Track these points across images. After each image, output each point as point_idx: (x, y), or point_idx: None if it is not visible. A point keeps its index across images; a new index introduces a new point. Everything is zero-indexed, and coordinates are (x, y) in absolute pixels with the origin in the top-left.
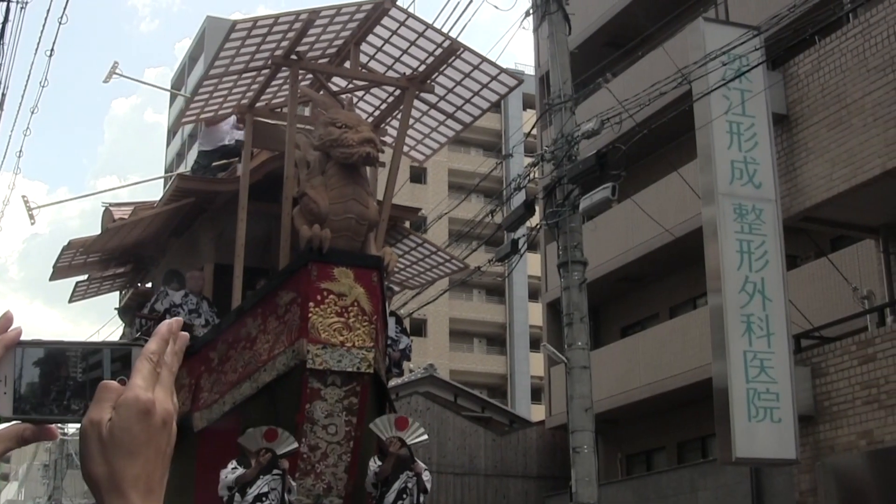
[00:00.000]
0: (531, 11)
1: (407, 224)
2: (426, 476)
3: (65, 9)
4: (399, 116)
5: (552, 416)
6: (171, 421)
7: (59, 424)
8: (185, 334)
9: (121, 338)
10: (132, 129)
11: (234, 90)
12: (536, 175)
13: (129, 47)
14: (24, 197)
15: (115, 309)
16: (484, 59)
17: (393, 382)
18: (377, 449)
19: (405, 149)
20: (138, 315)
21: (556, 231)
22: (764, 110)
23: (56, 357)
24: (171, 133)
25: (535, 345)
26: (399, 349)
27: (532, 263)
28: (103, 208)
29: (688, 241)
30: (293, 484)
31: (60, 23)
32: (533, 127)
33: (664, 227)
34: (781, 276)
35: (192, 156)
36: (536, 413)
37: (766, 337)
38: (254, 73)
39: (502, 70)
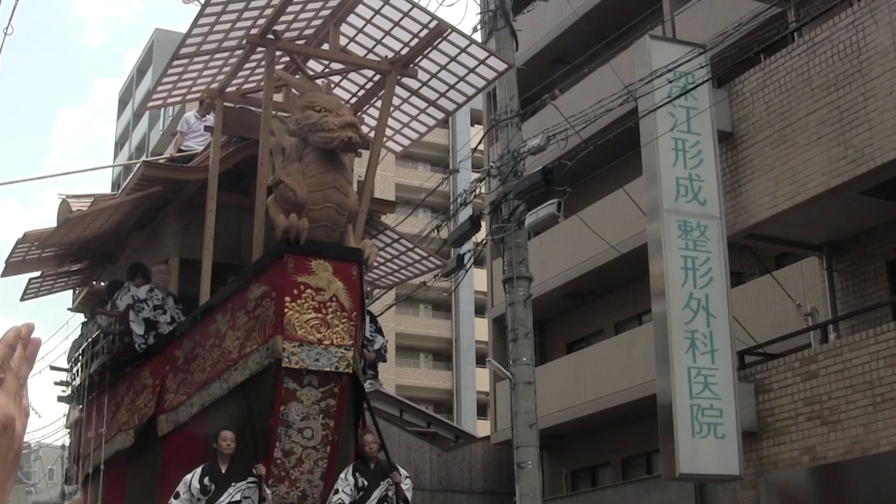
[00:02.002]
0: (479, 27)
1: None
2: (406, 484)
3: (10, 19)
4: (377, 104)
5: (497, 431)
6: (12, 426)
7: None
8: (38, 339)
9: (79, 337)
10: (81, 141)
11: (205, 72)
12: (483, 190)
13: (79, 58)
14: None
15: (69, 309)
16: (472, 42)
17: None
18: (355, 455)
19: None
20: (99, 311)
21: (501, 247)
22: (709, 128)
23: None
24: (119, 145)
25: (481, 360)
26: (374, 349)
27: (478, 279)
28: (60, 199)
29: (633, 258)
30: (268, 492)
31: (6, 33)
32: (479, 142)
33: (609, 243)
34: (726, 293)
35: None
36: (482, 428)
37: (710, 353)
38: (225, 55)
39: (491, 53)
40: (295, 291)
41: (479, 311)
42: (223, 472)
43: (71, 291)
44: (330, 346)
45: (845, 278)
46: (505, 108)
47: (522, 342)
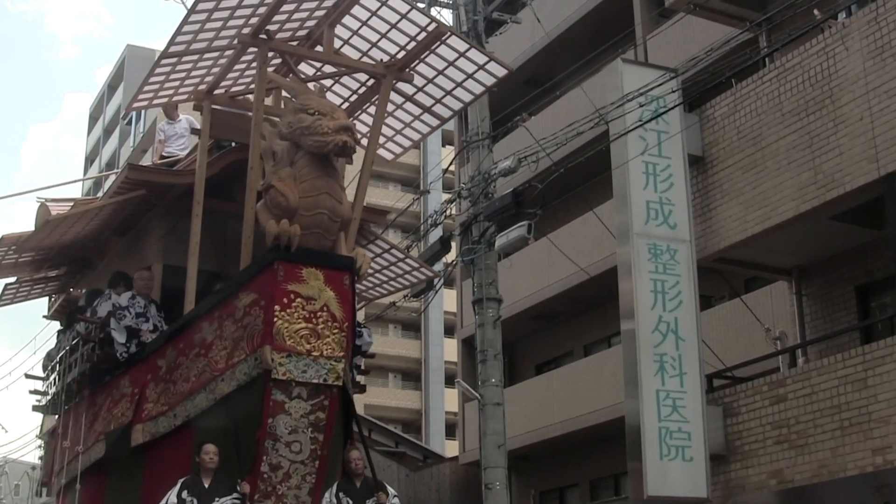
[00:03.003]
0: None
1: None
2: (394, 503)
3: None
4: (370, 109)
5: (466, 451)
6: None
7: None
8: None
9: (56, 344)
10: (51, 156)
11: (193, 73)
12: (453, 211)
13: (51, 73)
14: None
15: (44, 317)
16: (472, 46)
17: None
18: (342, 472)
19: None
20: (79, 317)
21: (471, 268)
22: (680, 152)
23: None
24: (89, 161)
25: (450, 380)
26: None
27: (448, 299)
28: (38, 203)
29: (603, 280)
30: None
31: None
32: (451, 163)
33: (579, 265)
34: (695, 316)
35: (108, 183)
36: (450, 449)
37: (678, 376)
38: (215, 55)
39: (492, 58)
40: (285, 300)
41: (449, 331)
42: (206, 486)
43: (46, 298)
44: (319, 358)
45: (814, 303)
46: (476, 129)
47: (491, 363)
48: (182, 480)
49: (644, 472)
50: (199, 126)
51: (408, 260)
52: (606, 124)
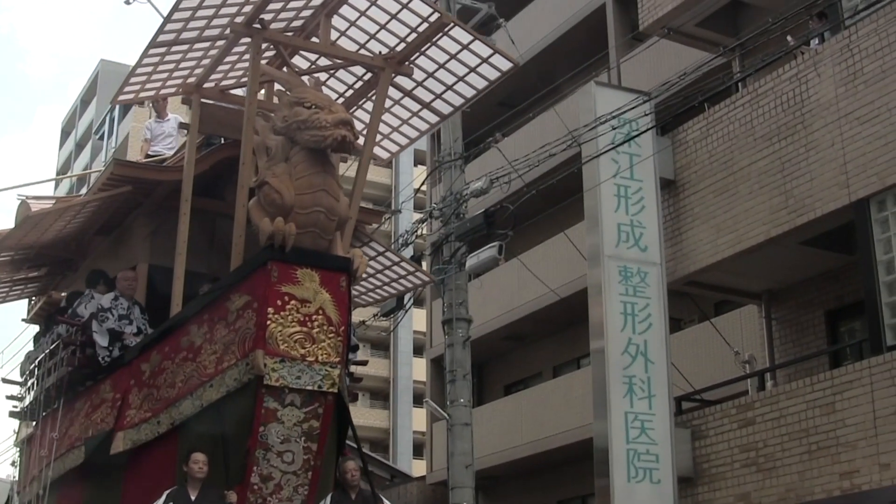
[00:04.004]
0: None
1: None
2: None
3: None
4: (365, 106)
5: (433, 471)
6: None
7: None
8: None
9: (37, 347)
10: (22, 169)
11: (182, 65)
12: (424, 231)
13: (23, 87)
14: None
15: (23, 320)
16: (476, 38)
17: None
18: (335, 484)
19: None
20: (59, 319)
21: (442, 288)
22: (652, 175)
23: None
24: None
25: (418, 400)
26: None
27: (417, 319)
28: (19, 201)
29: (573, 302)
30: None
31: None
32: (423, 183)
33: (550, 287)
34: (664, 339)
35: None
36: (418, 468)
37: (647, 398)
38: (206, 45)
39: (496, 50)
40: (279, 302)
41: (418, 350)
42: (193, 498)
43: (26, 301)
44: (314, 363)
45: (783, 327)
46: (449, 149)
47: (460, 383)
48: (167, 492)
49: (612, 493)
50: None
51: (403, 264)
52: (579, 146)
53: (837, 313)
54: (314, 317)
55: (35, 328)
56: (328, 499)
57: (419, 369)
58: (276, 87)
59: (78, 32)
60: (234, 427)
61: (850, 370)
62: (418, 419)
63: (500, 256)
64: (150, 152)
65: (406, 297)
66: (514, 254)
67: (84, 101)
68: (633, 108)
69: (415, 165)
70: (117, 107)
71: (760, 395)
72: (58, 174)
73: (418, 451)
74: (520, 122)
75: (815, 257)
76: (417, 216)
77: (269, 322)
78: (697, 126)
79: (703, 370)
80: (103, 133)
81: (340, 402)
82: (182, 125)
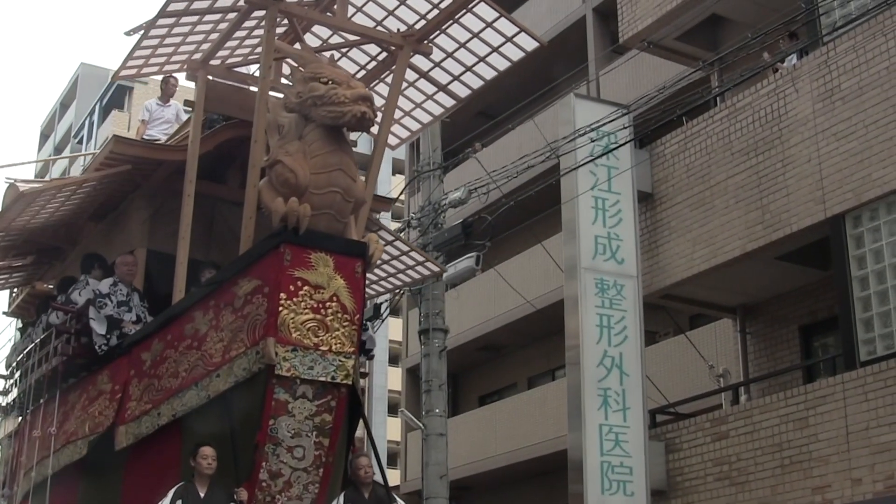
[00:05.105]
0: None
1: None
2: None
3: None
4: (377, 88)
5: (407, 481)
6: None
7: None
8: None
9: (24, 337)
10: None
11: (188, 39)
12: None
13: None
14: None
15: (4, 313)
16: (503, 15)
17: None
18: (344, 481)
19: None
20: (54, 306)
21: (418, 297)
22: (629, 187)
23: None
24: (37, 177)
25: (392, 409)
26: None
27: (393, 328)
28: (7, 184)
29: (549, 313)
30: None
31: None
32: (401, 193)
33: (526, 298)
34: (639, 352)
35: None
36: (392, 478)
37: (622, 411)
38: (215, 19)
39: (522, 28)
40: (291, 288)
41: (393, 360)
42: (202, 495)
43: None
44: (327, 353)
45: (758, 341)
46: (427, 159)
47: (436, 393)
48: (175, 488)
49: None
50: (184, 118)
51: (413, 253)
52: (557, 158)
53: (811, 328)
54: (328, 304)
55: (14, 321)
56: (341, 497)
57: (394, 379)
58: (284, 68)
59: (57, 34)
60: (242, 420)
61: (824, 385)
62: (393, 429)
63: (478, 267)
64: (145, 136)
65: (383, 306)
66: (492, 264)
67: (63, 105)
68: (611, 120)
69: (393, 174)
70: (97, 111)
71: (734, 408)
72: (36, 178)
73: (392, 460)
74: (499, 132)
75: (791, 272)
76: (395, 225)
77: (281, 308)
78: (675, 140)
79: (677, 383)
80: (82, 137)
81: (354, 396)
82: (187, 102)
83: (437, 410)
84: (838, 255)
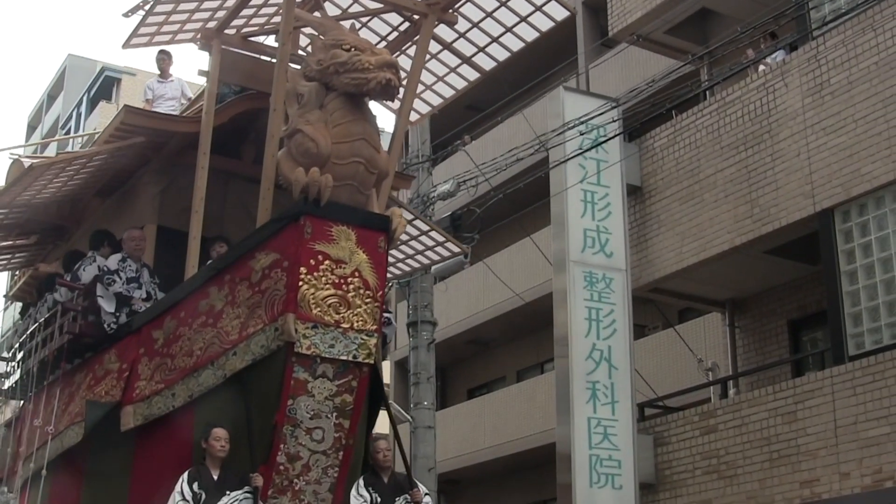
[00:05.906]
0: None
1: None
2: (427, 502)
3: None
4: (399, 59)
5: None
6: None
7: None
8: None
9: (26, 318)
10: None
11: (203, 5)
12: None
13: None
14: None
15: (5, 296)
16: None
17: None
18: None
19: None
20: (60, 282)
21: (407, 290)
22: (618, 181)
23: None
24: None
25: None
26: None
27: None
28: (11, 160)
29: (537, 306)
30: None
31: None
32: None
33: (514, 291)
34: (628, 345)
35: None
36: None
37: (610, 404)
38: None
39: None
40: (312, 262)
41: None
42: (215, 478)
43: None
44: (349, 331)
45: (746, 335)
46: (416, 151)
47: (424, 386)
48: (188, 472)
49: (574, 499)
50: (190, 94)
51: (432, 233)
52: (546, 151)
53: (800, 323)
54: (350, 279)
55: (14, 305)
56: (361, 481)
57: (383, 371)
58: (300, 39)
59: (44, 25)
60: (259, 400)
61: (812, 379)
62: (381, 421)
63: (466, 260)
64: None
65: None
66: (480, 257)
67: (51, 96)
68: (600, 113)
69: None
70: (84, 102)
71: (723, 402)
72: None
73: None
74: (488, 125)
75: (779, 267)
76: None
77: (301, 283)
78: (664, 133)
79: (666, 377)
80: (70, 128)
81: (375, 376)
82: (201, 72)
83: (426, 403)
84: (827, 250)
